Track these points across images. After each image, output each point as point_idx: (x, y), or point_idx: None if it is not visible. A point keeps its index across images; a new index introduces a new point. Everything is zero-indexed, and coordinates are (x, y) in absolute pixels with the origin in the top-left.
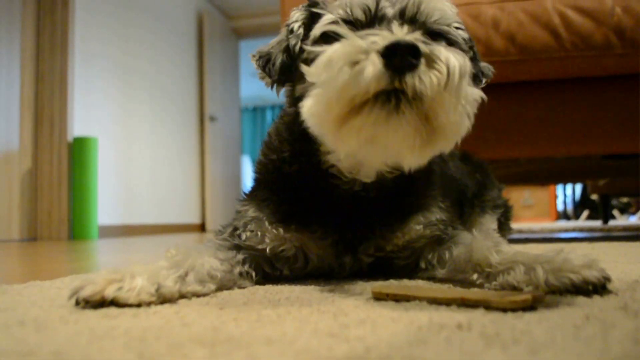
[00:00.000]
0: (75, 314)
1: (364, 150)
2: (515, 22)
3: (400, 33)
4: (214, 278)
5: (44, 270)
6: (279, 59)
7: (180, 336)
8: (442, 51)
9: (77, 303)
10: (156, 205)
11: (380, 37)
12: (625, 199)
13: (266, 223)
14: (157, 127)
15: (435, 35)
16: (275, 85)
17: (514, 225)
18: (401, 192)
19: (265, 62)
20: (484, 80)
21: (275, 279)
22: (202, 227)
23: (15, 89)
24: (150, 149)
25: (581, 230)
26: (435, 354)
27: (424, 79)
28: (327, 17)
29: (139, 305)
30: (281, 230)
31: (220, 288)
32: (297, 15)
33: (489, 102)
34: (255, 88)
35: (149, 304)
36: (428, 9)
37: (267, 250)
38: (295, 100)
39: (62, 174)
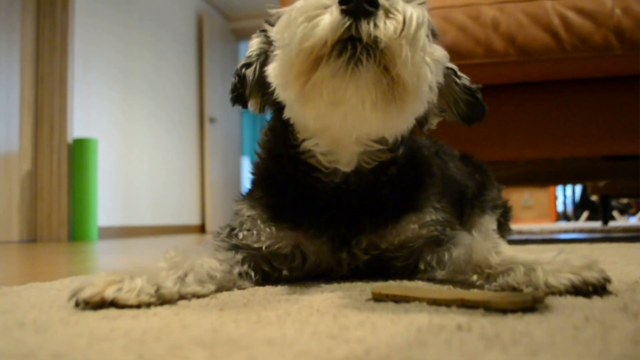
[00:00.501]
0: (75, 315)
1: (329, 113)
2: (515, 23)
3: None
4: (213, 278)
5: (44, 271)
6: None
7: (180, 338)
8: (399, 2)
9: (77, 304)
10: (156, 206)
11: None
12: (625, 200)
13: (259, 221)
14: (156, 129)
15: None
16: (235, 102)
17: (514, 226)
18: (388, 188)
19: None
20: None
21: (275, 280)
22: (202, 229)
23: (15, 91)
24: (150, 150)
25: (581, 231)
26: (435, 355)
27: (379, 25)
28: None
29: (138, 306)
30: (274, 228)
31: (219, 289)
32: (252, 42)
33: (488, 103)
34: None
35: (148, 305)
36: None
37: (264, 248)
38: (268, 107)
39: (61, 176)
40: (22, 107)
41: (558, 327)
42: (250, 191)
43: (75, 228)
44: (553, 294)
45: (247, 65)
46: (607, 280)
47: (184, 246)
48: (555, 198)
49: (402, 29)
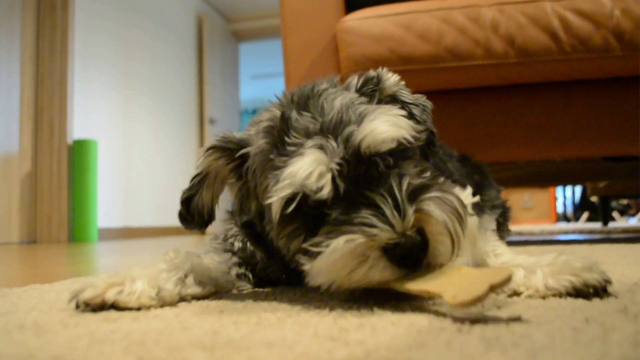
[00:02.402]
0: (75, 317)
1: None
2: (514, 25)
3: (398, 223)
4: (213, 280)
5: (44, 273)
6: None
7: (180, 340)
8: (435, 210)
9: (77, 306)
10: (156, 207)
11: (380, 231)
12: (625, 201)
13: (248, 244)
14: (156, 130)
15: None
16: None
17: (514, 227)
18: None
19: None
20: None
21: (274, 283)
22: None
23: (15, 92)
24: (149, 151)
25: (581, 232)
26: (435, 357)
27: (435, 256)
28: (277, 196)
29: (139, 308)
30: (263, 254)
31: (219, 290)
32: (199, 162)
33: (488, 105)
34: (255, 90)
35: (149, 307)
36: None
37: (258, 268)
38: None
39: (61, 177)
40: (22, 108)
41: (558, 329)
42: (235, 213)
43: (75, 229)
44: (554, 295)
45: (191, 196)
46: (608, 281)
47: (184, 248)
48: (555, 199)
49: (453, 248)
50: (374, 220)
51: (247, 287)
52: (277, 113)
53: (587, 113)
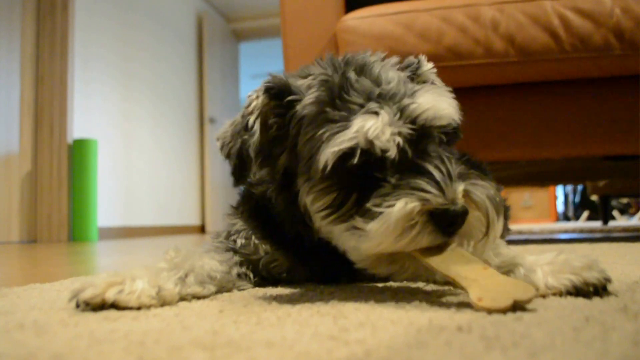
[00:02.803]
0: (75, 316)
1: (385, 270)
2: (514, 24)
3: (449, 191)
4: (213, 279)
5: (44, 272)
6: (235, 159)
7: (180, 340)
8: (478, 194)
9: (77, 305)
10: (156, 207)
11: (431, 196)
12: (625, 200)
13: (253, 237)
14: (156, 129)
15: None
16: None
17: (514, 226)
18: None
19: (227, 153)
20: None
21: (274, 282)
22: (202, 229)
23: (15, 92)
24: (150, 151)
25: (581, 231)
26: (435, 356)
27: (469, 232)
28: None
29: (139, 308)
30: (269, 246)
31: (219, 290)
32: (254, 105)
33: (489, 104)
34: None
35: (149, 306)
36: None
37: (261, 263)
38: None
39: (61, 176)
40: (22, 108)
41: (558, 329)
42: (240, 206)
43: (75, 229)
44: (554, 294)
45: (247, 139)
46: (608, 280)
47: (184, 247)
48: (555, 198)
49: (487, 231)
50: (428, 187)
51: (247, 287)
52: (332, 70)
53: (587, 112)
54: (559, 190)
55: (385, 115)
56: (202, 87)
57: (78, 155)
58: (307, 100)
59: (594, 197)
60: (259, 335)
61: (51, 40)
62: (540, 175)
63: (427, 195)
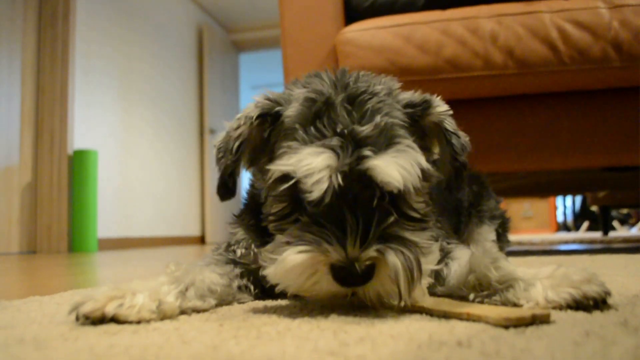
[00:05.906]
0: (75, 330)
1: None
2: (513, 36)
3: (353, 251)
4: (214, 293)
5: (44, 284)
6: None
7: (180, 355)
8: (390, 260)
9: (77, 319)
10: (156, 217)
11: (333, 250)
12: (625, 210)
13: (253, 246)
14: (157, 140)
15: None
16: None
17: (514, 237)
18: None
19: (218, 168)
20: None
21: (275, 295)
22: (201, 240)
23: (15, 102)
24: (150, 162)
25: (581, 242)
26: None
27: (383, 287)
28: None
29: (139, 321)
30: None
31: (220, 303)
32: (240, 131)
33: (488, 115)
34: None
35: (149, 320)
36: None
37: (261, 272)
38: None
39: (61, 187)
40: (23, 119)
41: (558, 343)
42: (243, 215)
43: (75, 239)
44: (554, 308)
45: (230, 164)
46: (608, 293)
47: (184, 260)
48: (555, 208)
49: (399, 292)
50: (333, 240)
51: (248, 300)
52: (325, 90)
53: (586, 124)
54: (559, 201)
55: (332, 158)
56: (202, 98)
57: (78, 166)
58: (289, 112)
59: (594, 208)
60: (259, 351)
61: (52, 52)
62: (540, 186)
63: (330, 248)
